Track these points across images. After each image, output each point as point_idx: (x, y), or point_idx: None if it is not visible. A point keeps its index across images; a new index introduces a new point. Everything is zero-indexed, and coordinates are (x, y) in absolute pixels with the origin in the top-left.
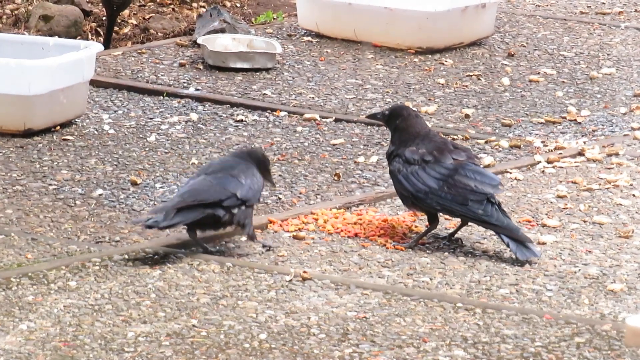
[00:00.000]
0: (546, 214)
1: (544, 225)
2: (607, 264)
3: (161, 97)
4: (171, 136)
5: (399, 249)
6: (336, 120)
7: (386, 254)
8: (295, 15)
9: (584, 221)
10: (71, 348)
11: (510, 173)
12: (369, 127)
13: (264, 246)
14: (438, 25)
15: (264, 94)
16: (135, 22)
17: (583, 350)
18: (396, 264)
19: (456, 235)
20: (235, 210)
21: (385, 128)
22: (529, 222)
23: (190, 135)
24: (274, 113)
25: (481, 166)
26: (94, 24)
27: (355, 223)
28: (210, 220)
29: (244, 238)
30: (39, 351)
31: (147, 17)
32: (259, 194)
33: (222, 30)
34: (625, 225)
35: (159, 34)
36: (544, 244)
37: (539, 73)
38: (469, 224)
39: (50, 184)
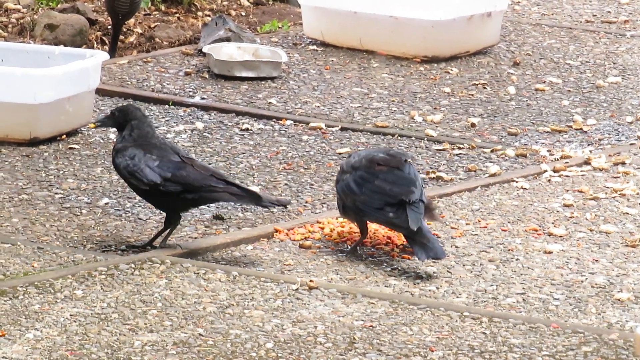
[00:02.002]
0: (552, 223)
1: (550, 234)
2: (614, 273)
3: (167, 105)
4: (177, 145)
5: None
6: (342, 129)
7: (392, 262)
8: (301, 24)
9: (591, 230)
10: (78, 357)
11: (517, 182)
12: (374, 136)
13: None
14: (444, 34)
15: (270, 102)
16: (140, 31)
17: None
18: (402, 272)
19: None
20: None
21: (391, 137)
22: (536, 230)
23: (196, 144)
24: (280, 122)
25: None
26: (99, 33)
27: None
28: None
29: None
30: None
31: (152, 25)
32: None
33: (228, 39)
34: (632, 234)
35: (165, 43)
36: (550, 252)
37: (544, 82)
38: None
39: (56, 193)
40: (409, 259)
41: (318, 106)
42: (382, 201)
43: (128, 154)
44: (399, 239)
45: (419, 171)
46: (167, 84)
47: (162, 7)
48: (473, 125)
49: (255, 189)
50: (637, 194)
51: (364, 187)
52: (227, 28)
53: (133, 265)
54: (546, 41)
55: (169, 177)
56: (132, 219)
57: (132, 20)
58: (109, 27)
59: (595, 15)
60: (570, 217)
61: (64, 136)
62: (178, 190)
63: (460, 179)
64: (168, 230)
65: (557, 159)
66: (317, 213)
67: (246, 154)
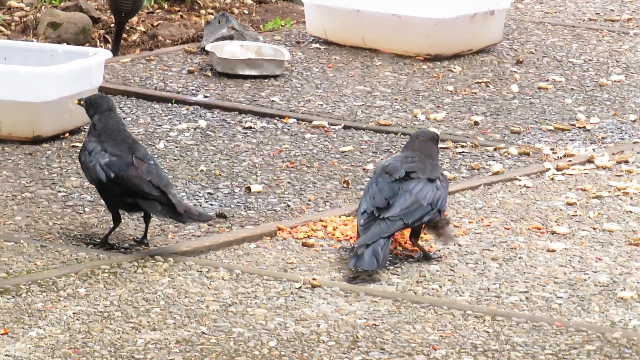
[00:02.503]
0: (556, 221)
1: (553, 233)
2: (617, 271)
3: (170, 104)
4: (180, 143)
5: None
6: (345, 127)
7: (395, 261)
8: (304, 22)
9: (594, 228)
10: (81, 355)
11: (520, 180)
12: (377, 134)
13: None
14: (446, 32)
15: (273, 101)
16: (143, 29)
17: (593, 358)
18: (405, 271)
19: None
20: None
21: (394, 135)
22: (539, 229)
23: (199, 142)
24: (283, 120)
25: None
26: (102, 31)
27: None
28: None
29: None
30: (48, 358)
31: (155, 24)
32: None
33: (231, 37)
34: (635, 233)
35: (167, 41)
36: (553, 251)
37: (547, 80)
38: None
39: (60, 191)
40: (412, 257)
41: (321, 104)
42: (363, 207)
43: (87, 148)
44: (402, 237)
45: None
46: (170, 82)
47: (165, 6)
48: (476, 123)
49: (258, 187)
50: None
51: (368, 190)
52: (230, 26)
53: (136, 264)
54: (549, 39)
55: (112, 177)
56: (135, 217)
57: (135, 19)
58: (112, 25)
59: (599, 13)
60: (574, 215)
61: (67, 134)
62: (118, 192)
63: (463, 177)
64: (110, 229)
65: (560, 158)
66: (320, 211)
67: (249, 152)
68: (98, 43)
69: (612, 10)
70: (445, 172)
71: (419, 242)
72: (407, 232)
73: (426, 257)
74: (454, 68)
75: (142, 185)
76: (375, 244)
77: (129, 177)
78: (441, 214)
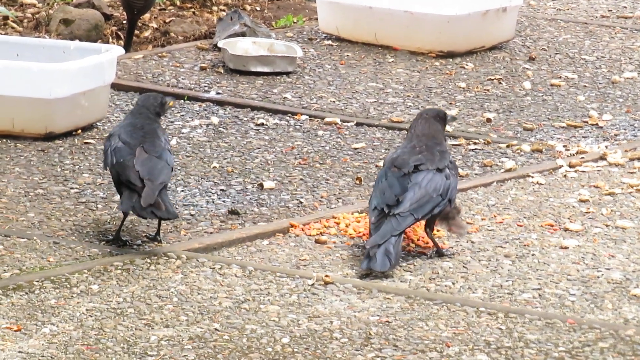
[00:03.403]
0: (568, 218)
1: (566, 230)
2: (631, 268)
3: (182, 100)
4: (192, 140)
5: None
6: (357, 124)
7: (408, 258)
8: (316, 19)
9: (607, 225)
10: (94, 351)
11: (532, 177)
12: (390, 131)
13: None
14: (459, 29)
15: (285, 97)
16: (155, 26)
17: (607, 356)
18: (418, 268)
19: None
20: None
21: (406, 132)
22: (551, 226)
23: (212, 139)
24: (295, 117)
25: None
26: (114, 28)
27: None
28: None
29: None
30: (61, 354)
31: (167, 20)
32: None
33: (243, 34)
34: None
35: (180, 38)
36: (566, 248)
37: (560, 77)
38: None
39: (72, 188)
40: (424, 254)
41: (333, 101)
42: (374, 203)
43: (110, 133)
44: (415, 234)
45: None
46: (183, 78)
47: (177, 2)
48: (489, 120)
49: (270, 184)
50: None
51: (377, 184)
52: (242, 23)
53: (149, 260)
54: (562, 36)
55: (114, 163)
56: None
57: (147, 15)
58: (124, 22)
59: (611, 10)
60: (586, 212)
61: (80, 131)
62: (117, 180)
63: (475, 174)
64: (120, 222)
65: (573, 155)
66: (332, 208)
67: (261, 149)
68: (110, 40)
69: (625, 7)
70: (458, 169)
71: (434, 237)
72: (421, 225)
73: (439, 254)
74: (467, 65)
75: (129, 175)
76: (387, 242)
77: (123, 165)
78: (452, 203)
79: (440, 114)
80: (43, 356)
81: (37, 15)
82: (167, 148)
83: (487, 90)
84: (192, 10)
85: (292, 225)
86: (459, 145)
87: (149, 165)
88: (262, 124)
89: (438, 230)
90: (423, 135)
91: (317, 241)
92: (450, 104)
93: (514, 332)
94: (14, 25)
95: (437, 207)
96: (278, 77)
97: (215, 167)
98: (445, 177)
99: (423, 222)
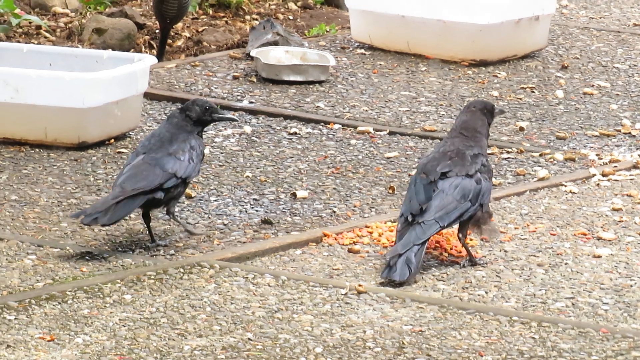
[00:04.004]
0: (601, 227)
1: (599, 239)
2: None
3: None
4: (225, 149)
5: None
6: (390, 133)
7: (441, 267)
8: (348, 27)
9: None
10: None
11: (565, 186)
12: (422, 140)
13: (186, 230)
14: (491, 37)
15: (318, 106)
16: (188, 35)
17: None
18: (451, 277)
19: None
20: (174, 190)
21: (440, 141)
22: (584, 235)
23: (244, 148)
24: (328, 126)
25: None
26: (147, 37)
27: None
28: (149, 203)
29: (167, 216)
30: None
31: (200, 29)
32: (198, 166)
33: (275, 43)
34: None
35: (212, 47)
36: (599, 257)
37: (593, 85)
38: None
39: None
40: (457, 263)
41: (366, 110)
42: (402, 209)
43: None
44: (448, 243)
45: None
46: (215, 87)
47: (210, 11)
48: (521, 129)
49: (303, 193)
50: None
51: (409, 189)
52: (275, 32)
53: (182, 270)
54: (594, 45)
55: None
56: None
57: (180, 24)
58: (157, 31)
59: None
60: (619, 221)
61: (112, 140)
62: None
63: (508, 183)
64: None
65: (606, 163)
66: (365, 217)
67: (294, 158)
68: (143, 49)
69: None
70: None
71: (467, 244)
72: (454, 234)
73: (472, 263)
74: (499, 73)
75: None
76: (409, 251)
77: (120, 172)
78: (483, 207)
79: (487, 107)
80: None
81: (69, 25)
82: (179, 156)
83: (520, 98)
84: (225, 19)
85: (325, 235)
86: (491, 154)
87: (133, 171)
88: (295, 133)
89: (471, 239)
90: (464, 129)
91: (350, 250)
92: None
93: (547, 341)
94: (47, 34)
95: (465, 213)
96: (311, 86)
97: (248, 177)
98: (476, 182)
99: (455, 230)
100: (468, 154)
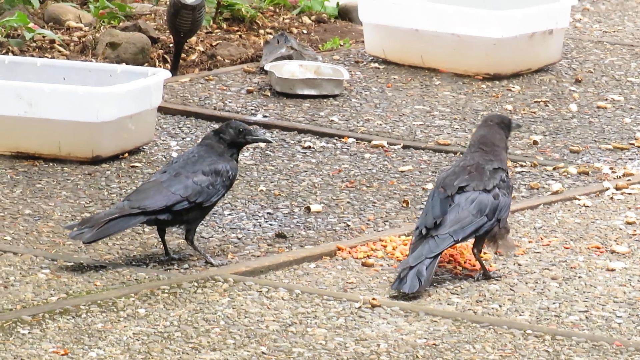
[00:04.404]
0: (615, 241)
1: (613, 252)
2: None
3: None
4: (239, 163)
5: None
6: (404, 146)
7: (455, 280)
8: (362, 41)
9: None
10: None
11: (579, 199)
12: (437, 154)
13: (206, 262)
14: (505, 51)
15: (332, 120)
16: (202, 49)
17: None
18: (465, 290)
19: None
20: (185, 214)
21: (454, 155)
22: (598, 248)
23: (258, 162)
24: (342, 140)
25: None
26: (161, 51)
27: None
28: (154, 223)
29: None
30: None
31: (214, 43)
32: (221, 192)
33: (289, 57)
34: None
35: (226, 61)
36: (613, 270)
37: (606, 99)
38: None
39: None
40: (471, 276)
41: (380, 124)
42: (417, 223)
43: None
44: (462, 257)
45: None
46: (229, 102)
47: (224, 25)
48: (535, 142)
49: (317, 207)
50: None
51: (427, 202)
52: (289, 46)
53: (196, 284)
54: (608, 58)
55: None
56: (195, 237)
57: (193, 39)
58: (171, 45)
59: None
60: (633, 234)
61: (126, 154)
62: None
63: (522, 196)
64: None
65: (620, 177)
66: (379, 231)
67: (308, 172)
68: (157, 63)
69: None
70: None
71: (482, 258)
72: (468, 247)
73: (486, 276)
74: (513, 87)
75: None
76: (420, 264)
77: None
78: (501, 222)
79: (504, 121)
80: None
81: (83, 39)
82: (197, 180)
83: (534, 112)
84: (239, 33)
85: (339, 248)
86: None
87: (142, 188)
88: (309, 147)
89: (485, 253)
90: (482, 143)
91: (364, 264)
92: None
93: (561, 354)
94: (61, 48)
95: (481, 228)
96: (325, 100)
97: (262, 190)
98: (494, 197)
99: (470, 244)
100: (487, 169)
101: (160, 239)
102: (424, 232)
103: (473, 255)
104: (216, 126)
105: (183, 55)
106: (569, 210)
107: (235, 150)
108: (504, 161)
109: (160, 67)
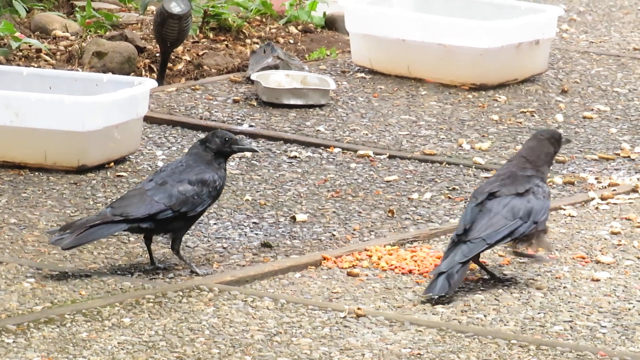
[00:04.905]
0: (600, 251)
1: (597, 262)
2: None
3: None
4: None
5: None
6: (390, 156)
7: None
8: (349, 51)
9: (638, 258)
10: None
11: (564, 209)
12: (422, 163)
13: (191, 272)
14: (492, 61)
15: (318, 130)
16: (188, 59)
17: None
18: (450, 300)
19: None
20: (170, 223)
21: (440, 165)
22: (583, 258)
23: (244, 171)
24: (328, 149)
25: None
26: (147, 60)
27: (409, 259)
28: (136, 231)
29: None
30: None
31: (200, 53)
32: (207, 202)
33: (276, 67)
34: None
35: (213, 70)
36: (597, 280)
37: (592, 110)
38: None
39: None
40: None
41: (366, 134)
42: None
43: None
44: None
45: (466, 199)
46: (216, 111)
47: (211, 35)
48: None
49: (303, 216)
50: None
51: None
52: (276, 56)
53: (181, 293)
54: (594, 69)
55: None
56: (180, 247)
57: (180, 48)
58: (157, 54)
59: None
60: (618, 244)
61: (112, 164)
62: None
63: None
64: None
65: (605, 187)
66: (365, 241)
67: (294, 181)
68: (143, 72)
69: None
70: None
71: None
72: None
73: (535, 259)
74: (499, 97)
75: None
76: (452, 269)
77: None
78: (539, 225)
79: (555, 136)
80: None
81: (69, 48)
82: (182, 189)
83: (520, 122)
84: (225, 42)
85: (324, 258)
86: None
87: (126, 196)
88: (295, 157)
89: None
90: (526, 155)
91: (349, 274)
92: (483, 136)
93: None
94: (47, 58)
95: (516, 231)
96: (311, 110)
97: (248, 200)
98: (527, 201)
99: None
100: (521, 175)
101: (146, 248)
102: (455, 239)
103: (517, 256)
104: (202, 136)
105: (169, 64)
106: (554, 220)
107: (223, 159)
108: (544, 174)
109: (147, 76)
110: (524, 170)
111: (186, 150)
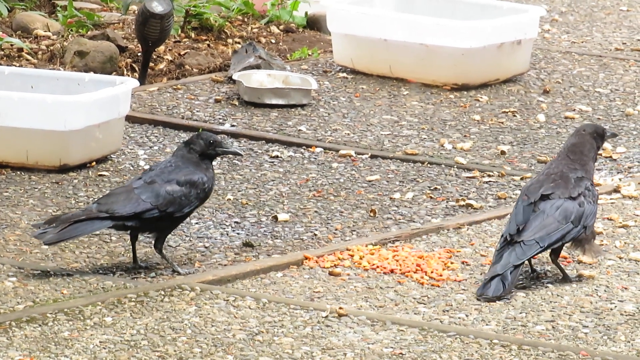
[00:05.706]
0: None
1: (579, 262)
2: None
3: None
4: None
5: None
6: (372, 156)
7: (422, 290)
8: (331, 51)
9: (620, 258)
10: None
11: None
12: (404, 163)
13: (173, 271)
14: (474, 61)
15: (300, 130)
16: (170, 58)
17: None
18: (432, 300)
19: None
20: (155, 222)
21: (421, 165)
22: (565, 258)
23: (226, 171)
24: (310, 149)
25: None
26: (129, 60)
27: (391, 259)
28: (121, 228)
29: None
30: None
31: (182, 52)
32: (195, 203)
33: (258, 67)
34: None
35: (195, 70)
36: (579, 280)
37: (574, 110)
38: None
39: None
40: (438, 287)
41: (348, 134)
42: (503, 231)
43: None
44: (429, 266)
45: (448, 199)
46: (197, 111)
47: (192, 34)
48: (503, 152)
49: (284, 216)
50: None
51: (511, 213)
52: (257, 55)
53: (163, 292)
54: (576, 69)
55: None
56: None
57: (162, 47)
58: (139, 54)
59: (625, 43)
60: (600, 244)
61: (94, 163)
62: None
63: (490, 206)
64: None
65: None
66: (346, 240)
67: (276, 181)
68: (125, 72)
69: (639, 40)
70: (472, 202)
71: (560, 263)
72: (434, 257)
73: (566, 279)
74: (481, 97)
75: None
76: (507, 271)
77: None
78: (587, 229)
79: (598, 131)
80: None
81: (51, 47)
82: (170, 189)
83: (502, 122)
84: (207, 42)
85: (306, 258)
86: (473, 177)
87: (112, 193)
88: (277, 157)
89: (452, 263)
90: (571, 152)
91: (331, 273)
92: (465, 136)
93: None
94: (29, 57)
95: (568, 234)
96: (293, 110)
97: (230, 200)
98: (579, 205)
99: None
100: (572, 177)
101: (131, 245)
102: (508, 238)
103: (552, 261)
104: (184, 135)
105: (151, 64)
106: None
107: (208, 161)
108: (590, 171)
109: (129, 76)
110: (575, 172)
111: (168, 150)
